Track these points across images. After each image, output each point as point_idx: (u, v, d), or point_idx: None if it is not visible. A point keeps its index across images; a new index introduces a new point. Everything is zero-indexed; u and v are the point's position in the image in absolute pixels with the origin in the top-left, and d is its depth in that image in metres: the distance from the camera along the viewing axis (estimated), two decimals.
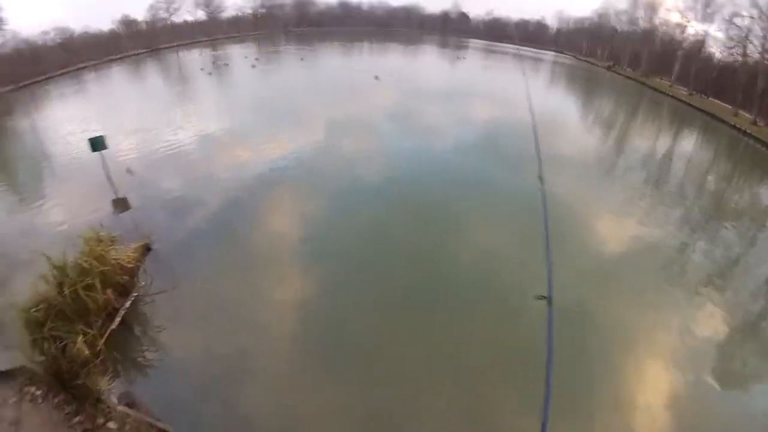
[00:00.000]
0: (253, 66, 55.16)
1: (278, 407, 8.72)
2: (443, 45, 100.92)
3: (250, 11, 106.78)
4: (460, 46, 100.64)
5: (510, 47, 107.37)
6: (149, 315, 11.29)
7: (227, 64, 58.10)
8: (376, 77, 45.51)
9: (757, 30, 51.12)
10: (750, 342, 12.44)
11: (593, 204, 19.28)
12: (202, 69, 54.27)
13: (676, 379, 10.23)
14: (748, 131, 43.13)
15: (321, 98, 37.74)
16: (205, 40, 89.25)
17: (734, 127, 45.26)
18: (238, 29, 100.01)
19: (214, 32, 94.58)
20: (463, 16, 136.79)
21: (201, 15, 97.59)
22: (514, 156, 23.20)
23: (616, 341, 11.11)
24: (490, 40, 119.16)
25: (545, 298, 4.27)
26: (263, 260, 13.67)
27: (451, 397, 9.07)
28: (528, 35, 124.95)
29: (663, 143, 35.85)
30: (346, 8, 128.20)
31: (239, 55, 67.37)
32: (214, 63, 59.43)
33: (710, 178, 28.35)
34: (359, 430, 8.45)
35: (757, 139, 40.90)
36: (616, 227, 17.46)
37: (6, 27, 53.50)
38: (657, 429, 8.91)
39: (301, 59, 61.66)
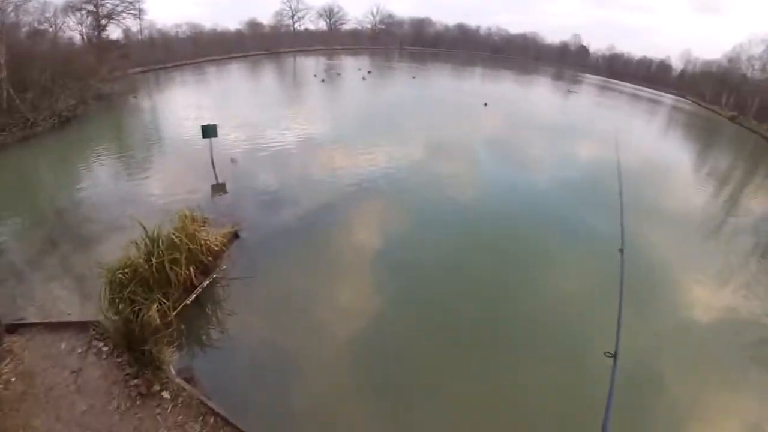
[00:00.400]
0: (364, 78, 56.64)
1: (321, 408, 8.70)
2: (558, 77, 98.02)
3: (368, 26, 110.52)
4: (575, 80, 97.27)
5: (627, 86, 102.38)
6: (223, 297, 11.71)
7: (339, 74, 60.24)
8: (485, 104, 44.98)
9: None
10: None
11: (688, 266, 17.42)
12: (315, 75, 56.63)
13: None
14: None
15: (425, 117, 37.94)
16: (323, 49, 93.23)
17: None
18: (355, 42, 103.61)
19: (332, 42, 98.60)
20: (582, 50, 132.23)
21: (322, 25, 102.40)
22: (607, 203, 21.79)
23: (678, 412, 9.97)
24: (608, 77, 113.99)
25: (613, 355, 4.02)
26: (339, 266, 13.75)
27: None
28: (649, 75, 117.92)
29: None
30: (463, 31, 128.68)
31: (353, 66, 69.68)
32: (328, 71, 61.78)
33: None
34: None
35: None
36: (708, 295, 15.69)
37: (145, 17, 59.63)
38: None
39: (413, 77, 62.51)
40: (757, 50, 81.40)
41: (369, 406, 9.02)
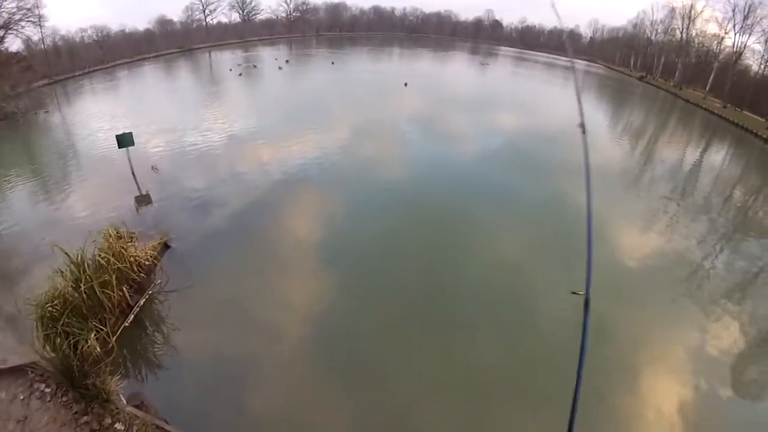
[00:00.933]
0: (280, 68, 55.89)
1: (284, 412, 8.72)
2: (474, 52, 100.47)
3: (283, 15, 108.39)
4: (491, 54, 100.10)
5: (541, 56, 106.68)
6: (163, 313, 11.41)
7: (256, 66, 58.98)
8: (405, 84, 45.57)
9: None
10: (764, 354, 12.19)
11: (616, 215, 18.83)
12: (231, 70, 55.20)
13: (687, 388, 10.14)
14: None
15: (348, 102, 38.09)
16: (238, 42, 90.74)
17: (767, 140, 43.76)
18: (271, 32, 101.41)
19: (247, 34, 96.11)
20: (496, 24, 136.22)
21: (235, 17, 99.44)
22: (537, 165, 23.05)
23: (624, 348, 10.95)
24: (522, 49, 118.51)
25: (580, 294, 4.12)
26: (279, 263, 13.69)
27: (460, 406, 8.96)
28: (561, 44, 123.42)
29: (692, 155, 34.97)
30: (378, 13, 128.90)
31: (270, 57, 68.32)
32: (244, 64, 60.33)
33: (738, 191, 27.51)
34: None
35: None
36: (639, 239, 17.11)
37: (46, 23, 55.45)
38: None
39: (332, 63, 62.28)
40: (659, 15, 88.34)
41: (333, 398, 9.07)
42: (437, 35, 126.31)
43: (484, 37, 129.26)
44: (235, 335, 10.64)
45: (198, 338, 10.52)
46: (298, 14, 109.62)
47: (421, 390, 9.22)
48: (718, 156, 37.39)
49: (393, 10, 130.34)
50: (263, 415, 8.59)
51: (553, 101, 47.46)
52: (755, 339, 12.43)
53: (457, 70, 70.88)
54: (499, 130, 32.26)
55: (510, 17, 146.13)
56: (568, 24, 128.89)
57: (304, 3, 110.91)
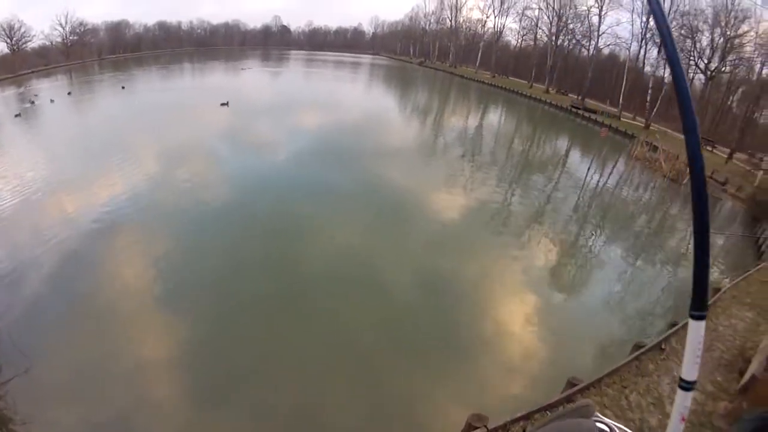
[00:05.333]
0: (52, 101, 48.59)
1: None
2: (265, 58, 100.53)
3: (59, 40, 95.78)
4: (282, 58, 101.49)
5: (330, 54, 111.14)
6: (6, 411, 9.75)
7: (33, 102, 50.52)
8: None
9: (545, 18, 63.73)
10: (572, 257, 15.41)
11: (424, 182, 21.15)
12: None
13: (526, 298, 12.25)
14: (542, 98, 52.84)
15: (147, 126, 34.87)
16: (10, 77, 78.29)
17: (531, 96, 54.37)
18: (46, 62, 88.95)
19: (18, 66, 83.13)
20: (285, 29, 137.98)
21: (2, 48, 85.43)
22: (344, 159, 24.23)
23: (465, 285, 12.66)
24: (311, 50, 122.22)
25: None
26: (116, 313, 12.12)
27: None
28: (347, 42, 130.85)
29: (474, 119, 40.10)
30: (164, 29, 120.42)
31: (49, 89, 59.89)
32: (19, 102, 51.93)
33: (516, 140, 32.52)
34: None
35: (549, 104, 50.61)
36: (447, 197, 19.46)
37: None
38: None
39: (122, 87, 55.60)
40: (431, 7, 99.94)
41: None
42: (227, 46, 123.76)
43: (274, 43, 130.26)
44: (98, 406, 9.41)
45: (57, 420, 9.17)
46: (75, 38, 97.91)
47: (314, 376, 9.24)
48: (495, 116, 43.58)
49: (179, 24, 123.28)
50: None
51: (347, 95, 49.96)
52: (560, 250, 15.54)
53: (247, 79, 69.90)
54: (306, 130, 31.89)
55: (297, 21, 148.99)
56: (351, 23, 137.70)
57: (82, 24, 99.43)
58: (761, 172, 26.42)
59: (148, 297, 12.27)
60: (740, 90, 40.27)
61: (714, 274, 14.78)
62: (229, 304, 11.59)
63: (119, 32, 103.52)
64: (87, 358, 10.15)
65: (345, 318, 10.88)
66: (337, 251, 14.25)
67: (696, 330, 0.98)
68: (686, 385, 1.00)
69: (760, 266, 13.83)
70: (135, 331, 10.86)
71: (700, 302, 0.95)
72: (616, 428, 1.05)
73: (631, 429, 1.13)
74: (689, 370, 0.99)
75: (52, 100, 43.03)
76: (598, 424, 1.04)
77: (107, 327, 11.05)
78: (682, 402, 1.01)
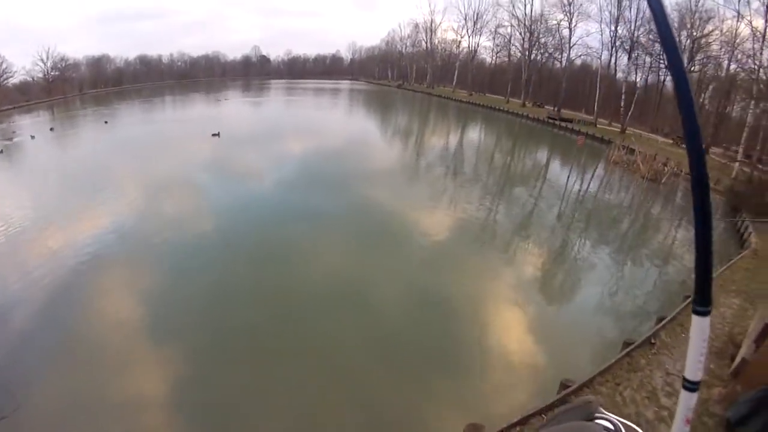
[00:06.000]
0: (33, 137, 47.50)
1: None
2: (246, 89, 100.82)
3: (40, 75, 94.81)
4: (262, 87, 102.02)
5: (311, 82, 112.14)
6: None
7: (11, 140, 48.99)
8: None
9: (517, 35, 65.52)
10: (559, 263, 15.64)
11: (410, 203, 21.04)
12: None
13: (517, 305, 12.30)
14: (519, 112, 53.85)
15: (132, 159, 34.29)
16: None
17: (508, 111, 55.35)
18: (27, 98, 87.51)
19: None
20: (264, 59, 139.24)
21: None
22: (328, 183, 24.10)
23: (463, 296, 12.68)
24: (291, 78, 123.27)
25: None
26: (104, 348, 11.64)
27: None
28: (326, 68, 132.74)
29: (454, 138, 40.51)
30: (145, 62, 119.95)
31: (31, 125, 58.62)
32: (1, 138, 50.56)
33: (497, 155, 32.84)
34: None
35: (527, 117, 51.74)
36: (434, 216, 19.44)
37: None
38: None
39: (105, 122, 54.71)
40: (407, 31, 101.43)
41: None
42: (208, 78, 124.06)
43: (254, 73, 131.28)
44: None
45: None
46: (57, 73, 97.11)
47: (309, 399, 9.04)
48: (475, 133, 44.04)
49: (160, 57, 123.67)
50: None
51: (329, 121, 50.16)
52: (547, 258, 15.70)
53: (231, 110, 69.82)
54: (291, 157, 31.37)
55: (277, 51, 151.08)
56: (330, 50, 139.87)
57: (63, 59, 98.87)
58: (737, 164, 27.16)
59: (137, 330, 11.94)
60: (711, 87, 41.52)
61: None
62: (219, 333, 11.36)
63: (100, 67, 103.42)
64: (76, 395, 9.82)
65: (336, 339, 10.74)
66: (326, 273, 14.13)
67: (700, 326, 0.86)
68: (690, 386, 0.89)
69: (742, 254, 14.17)
70: (124, 366, 10.55)
71: (704, 296, 0.87)
72: (620, 425, 0.97)
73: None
74: (693, 370, 0.89)
75: (32, 136, 42.12)
76: (603, 422, 0.97)
77: (96, 363, 10.65)
78: (687, 403, 0.91)
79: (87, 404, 9.53)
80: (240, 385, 9.32)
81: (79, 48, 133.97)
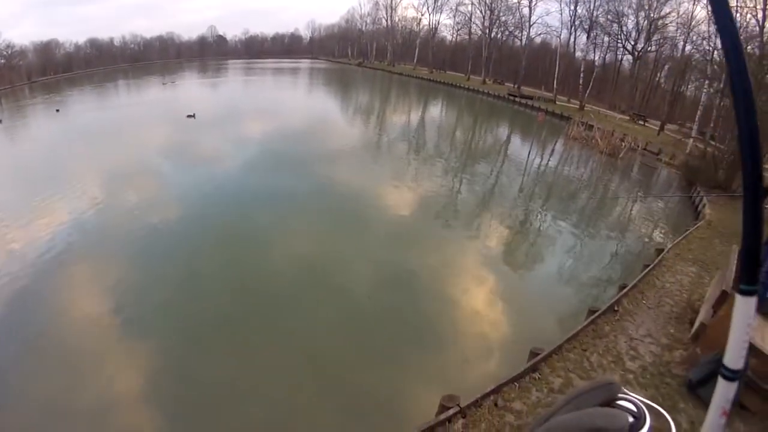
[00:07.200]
0: None
1: None
2: (203, 70, 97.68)
3: None
4: (220, 68, 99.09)
5: (269, 62, 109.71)
6: None
7: None
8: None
9: (478, 13, 65.93)
10: (523, 235, 15.89)
11: (374, 182, 21.03)
12: None
13: (485, 277, 12.47)
14: (480, 89, 54.48)
15: (83, 149, 32.48)
16: None
17: (469, 88, 55.81)
18: None
19: None
20: (221, 39, 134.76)
21: None
22: (298, 163, 23.57)
23: (432, 270, 12.81)
24: (249, 58, 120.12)
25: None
26: (75, 349, 10.91)
27: None
28: (285, 48, 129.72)
29: (416, 114, 40.49)
30: (96, 46, 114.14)
31: None
32: None
33: (458, 132, 32.99)
34: None
35: (487, 94, 52.44)
36: (399, 194, 19.37)
37: None
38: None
39: (57, 110, 50.98)
40: (367, 8, 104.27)
41: None
42: (163, 60, 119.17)
43: (211, 53, 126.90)
44: None
45: None
46: (3, 61, 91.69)
47: (286, 386, 8.83)
48: (436, 110, 44.08)
49: (112, 40, 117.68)
50: None
51: (289, 101, 49.26)
52: (511, 231, 15.95)
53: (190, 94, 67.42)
54: (252, 139, 30.71)
55: (234, 30, 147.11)
56: (288, 28, 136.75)
57: (9, 47, 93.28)
58: (691, 140, 28.34)
59: (106, 327, 11.12)
60: (666, 66, 43.06)
61: (657, 236, 15.75)
62: (192, 325, 10.99)
63: (49, 52, 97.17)
64: (49, 398, 9.18)
65: (308, 322, 10.62)
66: (294, 255, 13.91)
67: (745, 307, 0.76)
68: (730, 375, 0.79)
69: (697, 224, 14.70)
70: (97, 364, 9.85)
71: (750, 275, 0.75)
72: (643, 405, 0.89)
73: None
74: (735, 357, 0.78)
75: None
76: (625, 403, 0.89)
77: (67, 363, 10.03)
78: (725, 394, 0.80)
79: (60, 405, 8.90)
80: (212, 375, 9.14)
81: (26, 33, 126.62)
